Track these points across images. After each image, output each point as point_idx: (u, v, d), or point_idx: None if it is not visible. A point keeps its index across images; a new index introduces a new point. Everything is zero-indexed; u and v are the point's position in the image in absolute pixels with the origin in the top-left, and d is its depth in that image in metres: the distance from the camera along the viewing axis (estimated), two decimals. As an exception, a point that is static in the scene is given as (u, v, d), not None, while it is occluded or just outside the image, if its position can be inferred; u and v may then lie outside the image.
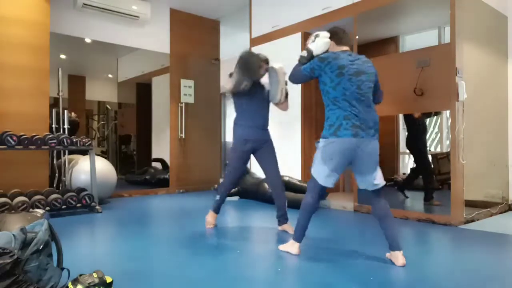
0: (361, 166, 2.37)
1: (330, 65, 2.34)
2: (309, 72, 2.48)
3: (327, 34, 2.48)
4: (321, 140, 2.42)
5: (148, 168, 6.38)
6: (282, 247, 2.64)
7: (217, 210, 3.36)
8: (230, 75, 3.09)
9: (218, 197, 3.30)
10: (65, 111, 4.78)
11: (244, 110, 3.08)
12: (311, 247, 2.84)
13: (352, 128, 2.29)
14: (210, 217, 3.36)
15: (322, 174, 2.38)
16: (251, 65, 2.94)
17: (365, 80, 2.35)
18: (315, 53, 2.47)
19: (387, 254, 2.41)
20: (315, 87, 4.99)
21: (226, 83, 3.15)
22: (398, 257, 2.31)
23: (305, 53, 2.52)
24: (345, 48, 2.47)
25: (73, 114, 5.54)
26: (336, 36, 2.48)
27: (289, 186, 4.61)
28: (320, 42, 2.46)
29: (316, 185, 2.43)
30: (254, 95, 3.06)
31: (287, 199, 3.36)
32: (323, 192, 2.48)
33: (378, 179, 2.40)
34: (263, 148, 3.12)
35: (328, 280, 2.07)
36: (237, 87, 2.94)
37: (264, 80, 3.11)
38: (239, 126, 3.09)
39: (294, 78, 2.67)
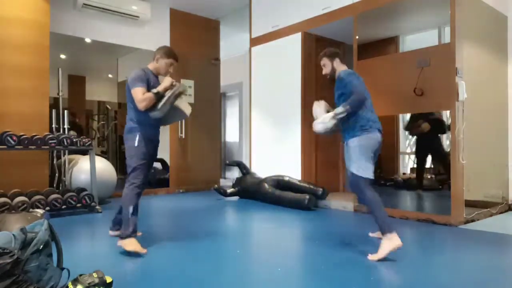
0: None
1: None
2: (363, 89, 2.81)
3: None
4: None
5: (148, 168, 6.37)
6: (376, 256, 2.44)
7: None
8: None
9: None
10: (65, 111, 4.79)
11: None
12: (310, 246, 2.84)
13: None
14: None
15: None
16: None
17: None
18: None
19: None
20: (315, 87, 4.99)
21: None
22: None
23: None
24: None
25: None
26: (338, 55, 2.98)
27: (289, 186, 4.62)
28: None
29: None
30: None
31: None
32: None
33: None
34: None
35: (328, 280, 2.07)
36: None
37: None
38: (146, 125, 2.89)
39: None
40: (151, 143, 2.86)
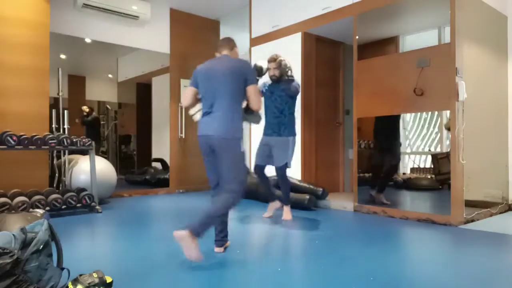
0: None
1: None
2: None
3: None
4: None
5: (148, 168, 6.38)
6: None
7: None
8: None
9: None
10: (65, 111, 4.79)
11: None
12: (311, 246, 2.84)
13: None
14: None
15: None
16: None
17: None
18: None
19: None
20: (315, 87, 4.99)
21: None
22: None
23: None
24: None
25: None
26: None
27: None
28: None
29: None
30: None
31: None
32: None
33: None
34: None
35: (328, 280, 2.07)
36: None
37: None
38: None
39: None
40: None
